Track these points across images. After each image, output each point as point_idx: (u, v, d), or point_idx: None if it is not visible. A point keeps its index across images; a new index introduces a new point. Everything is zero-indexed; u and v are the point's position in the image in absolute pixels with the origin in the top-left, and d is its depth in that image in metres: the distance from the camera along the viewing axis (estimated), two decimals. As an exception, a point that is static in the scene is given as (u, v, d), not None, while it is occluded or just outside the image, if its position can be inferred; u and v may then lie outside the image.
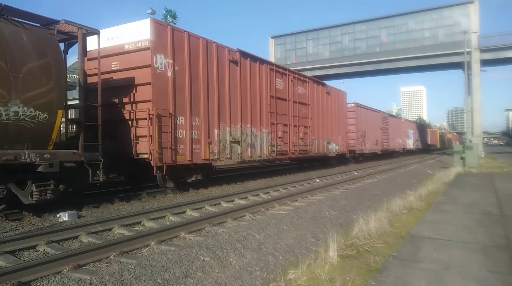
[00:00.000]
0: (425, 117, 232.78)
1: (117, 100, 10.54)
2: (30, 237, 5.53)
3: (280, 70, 16.15)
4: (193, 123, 10.97)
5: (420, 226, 6.94)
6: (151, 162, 9.56)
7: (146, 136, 9.71)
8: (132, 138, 10.01)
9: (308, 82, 18.62)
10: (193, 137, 10.93)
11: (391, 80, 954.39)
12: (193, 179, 11.20)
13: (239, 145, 12.96)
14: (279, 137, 15.52)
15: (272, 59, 48.67)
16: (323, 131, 19.89)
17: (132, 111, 10.17)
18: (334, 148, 21.15)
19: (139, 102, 10.12)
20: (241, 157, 13.11)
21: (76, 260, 4.61)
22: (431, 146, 63.12)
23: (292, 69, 18.20)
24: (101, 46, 9.00)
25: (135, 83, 10.23)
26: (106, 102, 9.61)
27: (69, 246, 5.61)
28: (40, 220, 7.15)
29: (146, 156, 9.70)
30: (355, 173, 18.75)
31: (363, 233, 6.02)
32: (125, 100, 10.45)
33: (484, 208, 8.63)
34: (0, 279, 3.92)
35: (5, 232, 6.20)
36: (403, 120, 44.98)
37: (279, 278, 4.43)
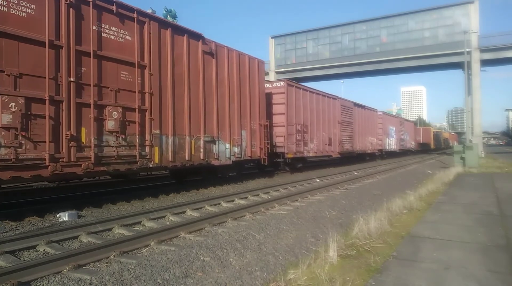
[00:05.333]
0: (425, 117, 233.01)
1: None
2: (30, 237, 5.54)
3: None
4: None
5: (420, 226, 6.94)
6: None
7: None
8: None
9: (146, 22, 9.72)
10: None
11: (391, 80, 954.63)
12: None
13: None
14: (4, 127, 6.83)
15: (272, 59, 48.78)
16: (198, 121, 11.43)
17: None
18: (226, 151, 12.69)
19: None
20: None
21: (76, 260, 4.61)
22: (423, 146, 54.89)
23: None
24: None
25: None
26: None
27: (69, 246, 5.61)
28: (40, 220, 7.16)
29: None
30: (355, 173, 18.74)
31: (363, 233, 6.02)
32: None
33: (484, 208, 8.63)
34: (0, 279, 3.92)
35: (5, 232, 6.20)
36: (379, 113, 33.08)
37: (279, 278, 4.43)
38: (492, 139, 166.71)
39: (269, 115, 16.28)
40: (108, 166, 8.68)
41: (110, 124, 8.71)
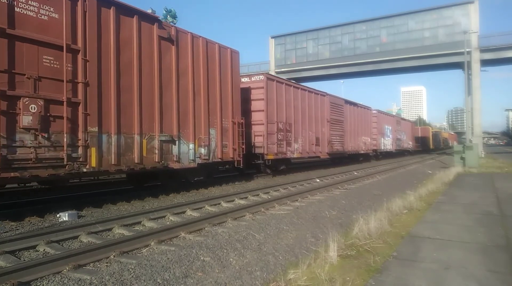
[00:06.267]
0: (425, 117, 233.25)
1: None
2: (30, 237, 5.53)
3: None
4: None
5: (420, 226, 6.94)
6: None
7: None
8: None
9: None
10: None
11: (391, 80, 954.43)
12: None
13: None
14: None
15: (272, 59, 48.81)
16: (152, 118, 9.79)
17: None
18: (190, 152, 11.09)
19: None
20: None
21: (76, 260, 4.61)
22: (422, 146, 53.84)
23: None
24: None
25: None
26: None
27: (69, 246, 5.61)
28: (40, 220, 7.15)
29: None
30: (355, 173, 18.74)
31: (363, 233, 6.02)
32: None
33: (484, 208, 8.63)
34: (0, 279, 3.92)
35: (5, 232, 6.20)
36: (374, 111, 31.32)
37: (279, 278, 4.43)
38: (492, 139, 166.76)
39: (247, 112, 14.86)
40: (22, 172, 6.89)
41: (26, 120, 6.98)
